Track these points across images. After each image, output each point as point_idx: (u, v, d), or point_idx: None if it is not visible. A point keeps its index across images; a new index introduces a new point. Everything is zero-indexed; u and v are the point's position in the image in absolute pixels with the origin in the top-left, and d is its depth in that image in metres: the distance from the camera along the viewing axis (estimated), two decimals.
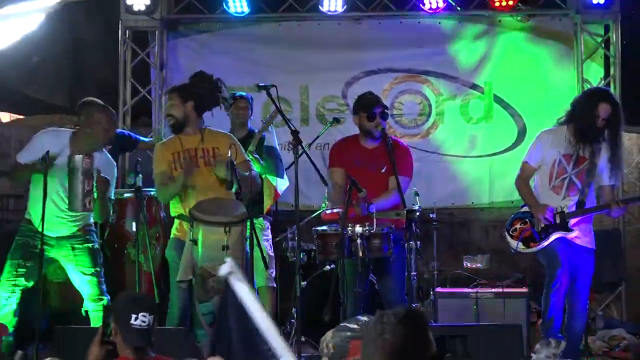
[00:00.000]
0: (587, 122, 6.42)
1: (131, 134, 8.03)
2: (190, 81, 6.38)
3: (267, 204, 7.27)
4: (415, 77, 9.01)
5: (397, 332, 2.75)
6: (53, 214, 6.14)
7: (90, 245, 6.37)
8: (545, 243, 6.48)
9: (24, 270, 6.18)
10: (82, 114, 6.44)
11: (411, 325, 2.78)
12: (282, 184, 7.29)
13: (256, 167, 6.81)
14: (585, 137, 6.46)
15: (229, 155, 5.91)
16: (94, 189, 6.07)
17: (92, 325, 6.15)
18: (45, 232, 6.05)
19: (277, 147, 7.33)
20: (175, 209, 6.37)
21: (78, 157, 6.01)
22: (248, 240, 5.94)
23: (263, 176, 7.06)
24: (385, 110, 6.69)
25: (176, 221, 6.43)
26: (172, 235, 6.47)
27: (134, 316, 4.17)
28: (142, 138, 8.04)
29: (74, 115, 8.19)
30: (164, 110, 8.72)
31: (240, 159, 6.25)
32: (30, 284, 6.18)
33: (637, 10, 8.69)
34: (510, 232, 6.68)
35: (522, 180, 6.71)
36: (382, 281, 6.55)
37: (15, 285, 6.15)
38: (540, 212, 6.47)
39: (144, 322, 4.18)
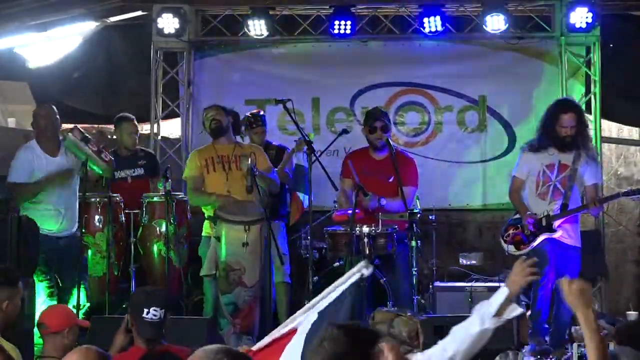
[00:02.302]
0: (555, 134, 6.47)
1: (158, 166, 7.98)
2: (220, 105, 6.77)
3: (294, 216, 7.32)
4: (416, 90, 8.97)
5: (335, 343, 2.59)
6: (48, 213, 6.23)
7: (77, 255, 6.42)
8: (534, 244, 6.49)
9: (47, 282, 6.28)
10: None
11: (351, 339, 2.61)
12: (307, 199, 7.32)
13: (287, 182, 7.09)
14: (561, 147, 6.49)
15: (249, 163, 5.95)
16: (100, 148, 6.26)
17: None
18: (47, 231, 6.19)
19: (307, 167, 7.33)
20: (207, 210, 6.47)
21: (68, 134, 6.07)
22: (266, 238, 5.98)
23: (291, 190, 7.18)
24: (387, 124, 6.69)
25: (206, 222, 6.50)
26: (204, 234, 6.53)
27: (146, 310, 4.16)
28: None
29: (109, 122, 8.28)
30: (190, 122, 8.82)
31: (265, 164, 6.48)
32: (57, 287, 6.30)
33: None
34: (504, 238, 6.67)
35: (513, 192, 6.74)
36: (389, 276, 6.55)
37: (51, 295, 6.26)
38: (524, 221, 6.49)
39: (155, 315, 4.17)
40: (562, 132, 6.48)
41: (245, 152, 6.39)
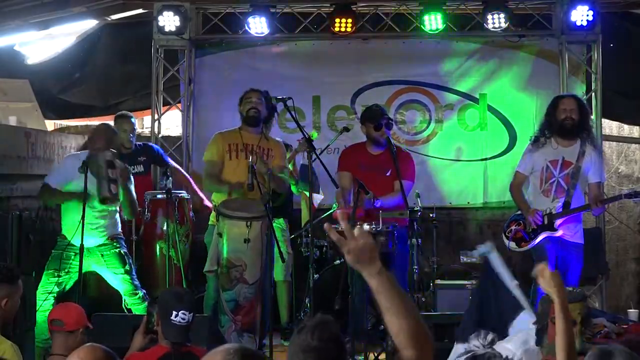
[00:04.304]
0: (556, 119, 6.46)
1: (163, 155, 7.89)
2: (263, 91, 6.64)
3: (306, 216, 7.31)
4: (417, 88, 8.95)
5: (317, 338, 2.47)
6: (86, 224, 6.13)
7: (117, 250, 6.39)
8: (536, 241, 6.47)
9: (57, 279, 6.22)
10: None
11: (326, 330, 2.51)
12: (317, 198, 7.30)
13: (290, 181, 7.04)
14: (563, 134, 6.47)
15: (250, 160, 5.93)
16: (118, 178, 6.13)
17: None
18: (77, 243, 6.09)
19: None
20: (217, 198, 6.48)
21: (101, 153, 6.04)
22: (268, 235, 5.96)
23: (300, 191, 7.15)
24: (390, 121, 6.74)
25: (214, 211, 6.50)
26: (210, 223, 6.52)
27: (174, 312, 4.11)
28: (173, 163, 7.85)
29: (108, 114, 8.28)
30: (191, 120, 8.78)
31: (280, 162, 6.50)
32: (62, 289, 6.23)
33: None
34: (506, 234, 6.65)
35: (515, 187, 6.72)
36: None
37: (49, 292, 6.17)
38: (531, 215, 6.44)
39: (183, 319, 4.13)
40: (561, 114, 6.46)
41: (272, 147, 6.52)
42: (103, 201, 6.14)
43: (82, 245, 6.01)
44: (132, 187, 6.44)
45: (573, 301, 4.28)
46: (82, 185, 6.09)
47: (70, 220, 6.26)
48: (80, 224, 5.98)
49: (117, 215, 6.52)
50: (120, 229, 6.55)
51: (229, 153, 6.48)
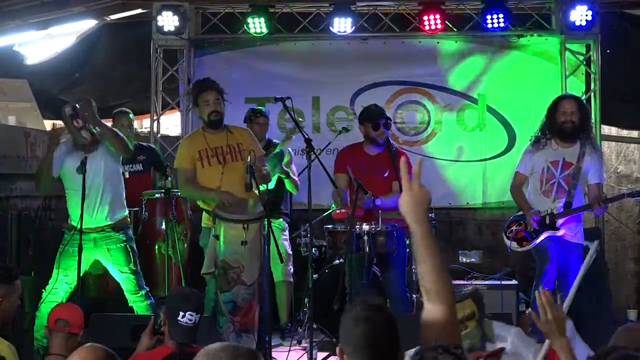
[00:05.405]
0: (556, 121, 6.43)
1: (161, 159, 7.86)
2: (215, 84, 6.37)
3: (291, 188, 7.37)
4: (416, 89, 8.94)
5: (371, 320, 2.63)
6: (88, 207, 6.09)
7: (123, 244, 6.33)
8: (537, 241, 6.45)
9: (66, 276, 6.17)
10: None
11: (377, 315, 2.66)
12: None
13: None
14: (563, 136, 6.44)
15: (249, 160, 5.88)
16: (84, 124, 6.04)
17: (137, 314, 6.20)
18: (84, 229, 6.03)
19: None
20: (202, 204, 6.41)
21: (62, 111, 6.03)
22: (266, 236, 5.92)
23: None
24: (388, 121, 6.70)
25: (204, 214, 6.44)
26: (203, 225, 6.46)
27: (181, 313, 4.10)
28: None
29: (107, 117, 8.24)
30: (190, 119, 8.76)
31: (258, 153, 6.26)
32: (73, 285, 6.17)
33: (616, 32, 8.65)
34: (507, 234, 6.63)
35: (515, 187, 6.70)
36: (385, 274, 6.53)
37: (54, 288, 6.14)
38: (529, 218, 6.42)
39: (190, 320, 4.11)
40: (561, 117, 6.44)
41: (241, 140, 6.29)
42: (84, 148, 6.07)
43: (81, 245, 5.98)
44: (103, 123, 6.29)
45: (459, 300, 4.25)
46: (73, 167, 6.07)
47: (75, 205, 6.14)
48: (82, 219, 5.95)
49: (123, 198, 6.47)
50: (127, 213, 6.49)
51: (200, 160, 6.21)
